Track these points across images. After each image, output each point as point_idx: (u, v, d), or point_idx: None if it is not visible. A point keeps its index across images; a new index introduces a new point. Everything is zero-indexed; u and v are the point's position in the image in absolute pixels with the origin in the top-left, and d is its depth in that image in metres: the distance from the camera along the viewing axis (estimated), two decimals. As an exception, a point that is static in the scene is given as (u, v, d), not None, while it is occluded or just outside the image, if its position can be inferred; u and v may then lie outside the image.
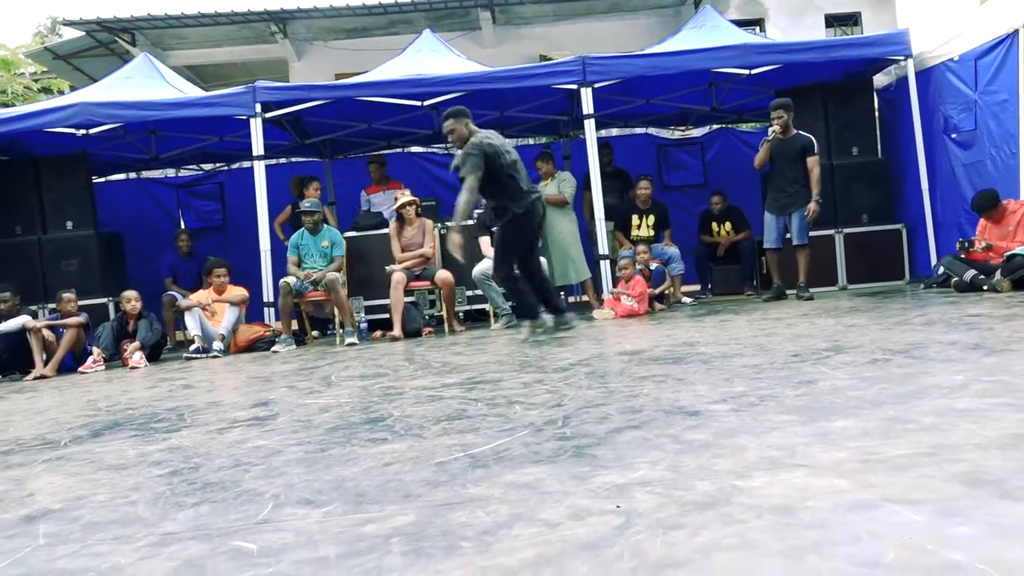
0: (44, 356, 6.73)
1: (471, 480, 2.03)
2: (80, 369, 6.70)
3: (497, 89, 7.75)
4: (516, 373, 3.98)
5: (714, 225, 8.79)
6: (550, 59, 9.28)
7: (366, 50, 11.90)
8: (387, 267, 7.15)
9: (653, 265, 7.66)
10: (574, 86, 7.55)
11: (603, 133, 9.49)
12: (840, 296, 7.14)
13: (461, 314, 7.65)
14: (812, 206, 6.95)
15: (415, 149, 10.78)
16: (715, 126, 10.55)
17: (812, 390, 2.80)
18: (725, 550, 1.40)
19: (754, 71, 7.84)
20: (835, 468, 1.84)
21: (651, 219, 8.17)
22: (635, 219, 8.22)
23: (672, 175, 10.21)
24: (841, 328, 4.60)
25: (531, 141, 11.81)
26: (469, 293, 7.66)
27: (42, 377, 6.53)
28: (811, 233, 7.20)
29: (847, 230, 7.90)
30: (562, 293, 8.77)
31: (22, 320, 6.77)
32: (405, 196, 7.38)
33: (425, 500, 1.89)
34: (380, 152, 9.92)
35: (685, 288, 8.36)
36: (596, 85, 7.54)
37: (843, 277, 7.89)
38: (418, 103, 7.87)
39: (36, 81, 21.29)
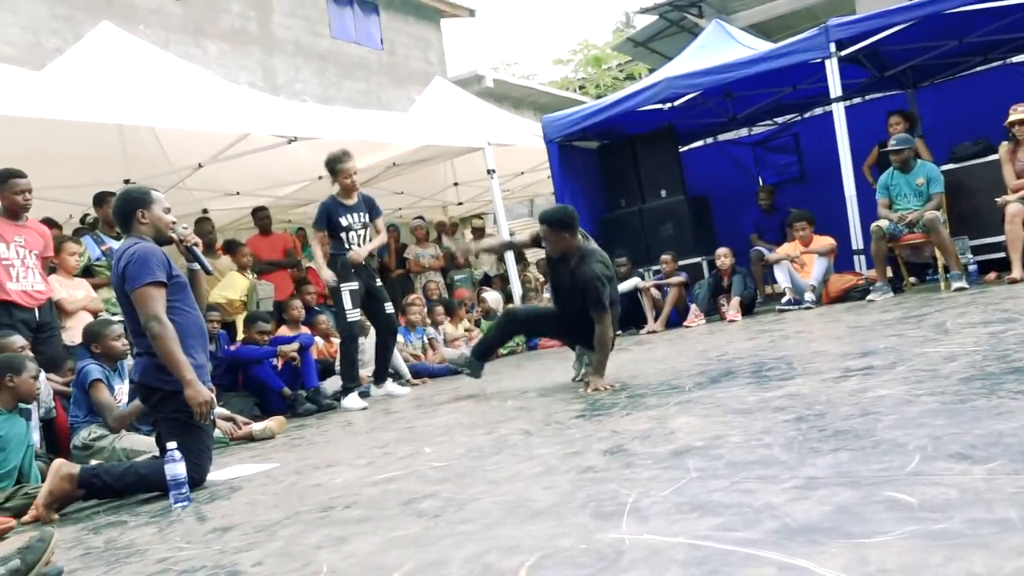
0: (653, 313, 7.53)
1: None
2: (684, 324, 7.31)
3: None
4: None
5: None
6: None
7: (945, -42, 10.44)
8: (998, 199, 6.18)
9: None
10: None
11: None
12: None
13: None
14: None
15: (1016, 59, 9.11)
16: None
17: None
18: None
19: None
20: None
21: None
22: None
23: None
24: None
25: None
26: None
27: (652, 332, 7.32)
28: None
29: None
30: None
31: (634, 281, 7.69)
32: (1020, 112, 6.23)
33: None
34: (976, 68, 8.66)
35: None
36: None
37: None
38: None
39: (621, 71, 24.02)
